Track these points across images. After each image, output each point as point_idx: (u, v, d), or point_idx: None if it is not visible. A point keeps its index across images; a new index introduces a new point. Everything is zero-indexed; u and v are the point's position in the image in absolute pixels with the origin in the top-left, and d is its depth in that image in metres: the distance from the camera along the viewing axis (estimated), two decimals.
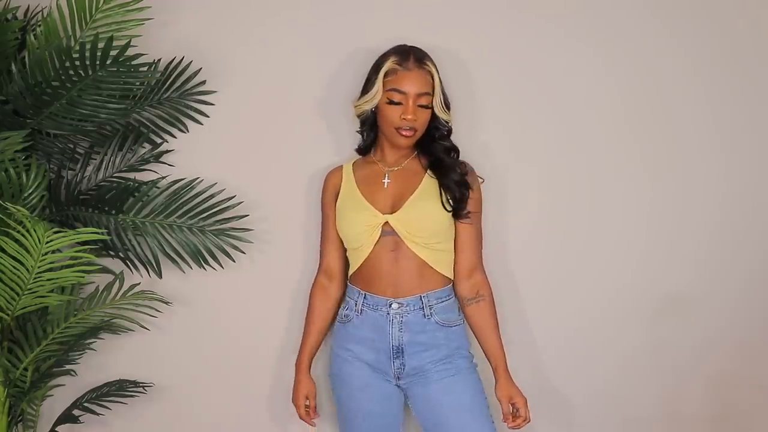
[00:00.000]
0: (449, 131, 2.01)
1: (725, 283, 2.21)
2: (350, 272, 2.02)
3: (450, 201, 1.94)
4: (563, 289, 2.20)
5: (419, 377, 1.94)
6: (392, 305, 1.93)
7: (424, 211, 1.93)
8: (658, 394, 2.23)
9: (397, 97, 1.90)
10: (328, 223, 2.05)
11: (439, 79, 1.94)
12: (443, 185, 1.95)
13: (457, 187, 1.95)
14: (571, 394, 2.21)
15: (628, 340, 2.21)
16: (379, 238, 1.93)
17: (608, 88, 2.17)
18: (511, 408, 1.94)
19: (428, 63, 1.93)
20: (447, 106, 1.98)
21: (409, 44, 1.96)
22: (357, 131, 2.06)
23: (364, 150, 2.05)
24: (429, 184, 1.97)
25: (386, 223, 1.93)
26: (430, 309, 1.94)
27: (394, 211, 1.93)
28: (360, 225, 1.94)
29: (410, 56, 1.92)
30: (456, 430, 1.89)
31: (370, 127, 2.02)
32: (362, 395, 1.96)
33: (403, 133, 1.92)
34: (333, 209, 2.03)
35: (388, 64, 1.91)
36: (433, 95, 1.92)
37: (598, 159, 2.18)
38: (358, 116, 2.02)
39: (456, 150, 2.01)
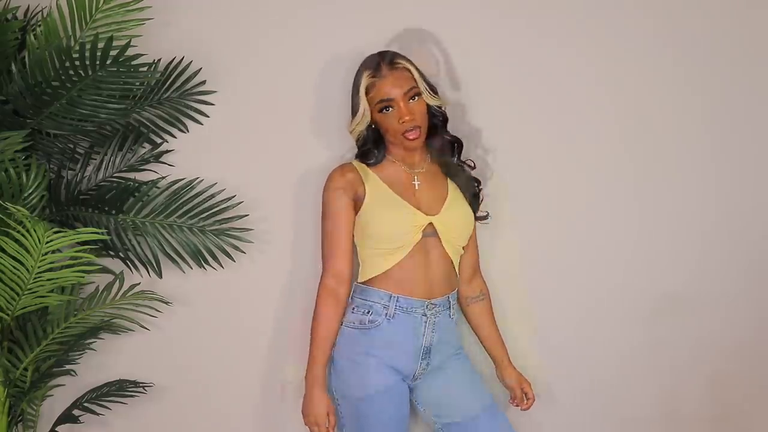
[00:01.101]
0: (444, 117, 2.00)
1: (724, 283, 2.21)
2: (371, 275, 1.93)
3: (471, 201, 1.99)
4: (561, 288, 2.21)
5: (435, 370, 1.97)
6: (428, 306, 1.93)
7: (462, 213, 1.97)
8: (656, 394, 2.23)
9: (387, 106, 1.90)
10: (341, 224, 1.91)
11: (416, 69, 1.93)
12: (460, 186, 2.00)
13: (473, 184, 2.01)
14: (569, 393, 2.22)
15: (626, 340, 2.22)
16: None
17: (608, 88, 2.17)
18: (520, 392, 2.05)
19: (400, 60, 1.92)
20: (434, 91, 1.97)
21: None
22: (362, 150, 2.01)
23: (374, 163, 1.99)
24: (455, 186, 2.01)
25: (429, 224, 1.92)
26: (453, 308, 1.98)
27: (433, 213, 1.93)
28: (404, 225, 1.90)
29: (380, 64, 1.91)
30: (461, 403, 1.96)
31: (375, 144, 1.98)
32: (384, 399, 1.90)
33: (410, 136, 1.91)
34: (349, 209, 1.93)
35: (365, 81, 1.91)
36: (418, 86, 1.92)
37: (597, 159, 2.19)
38: (357, 140, 2.00)
39: (458, 141, 2.03)
